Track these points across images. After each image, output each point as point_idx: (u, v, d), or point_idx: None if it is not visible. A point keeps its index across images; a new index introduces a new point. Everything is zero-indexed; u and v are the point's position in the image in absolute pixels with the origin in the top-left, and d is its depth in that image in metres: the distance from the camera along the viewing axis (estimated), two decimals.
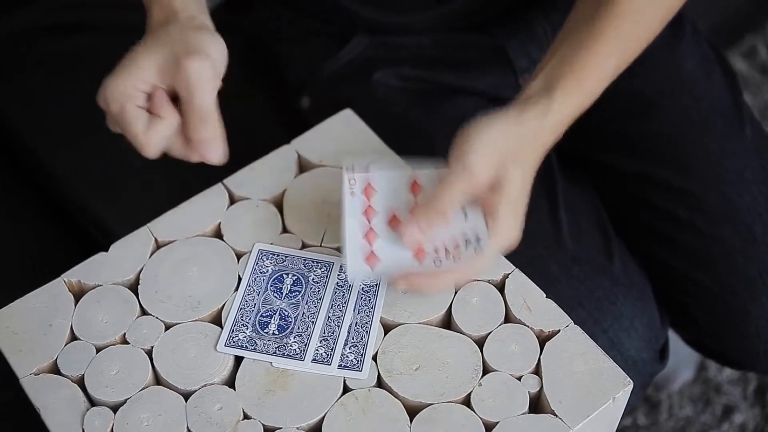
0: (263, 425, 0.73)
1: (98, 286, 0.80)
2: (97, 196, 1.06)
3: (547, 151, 0.79)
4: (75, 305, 0.79)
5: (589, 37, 0.80)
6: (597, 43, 0.79)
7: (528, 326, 0.77)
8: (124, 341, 0.77)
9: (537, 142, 0.77)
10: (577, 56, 0.79)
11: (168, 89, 0.76)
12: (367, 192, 0.79)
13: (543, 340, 0.77)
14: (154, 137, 0.75)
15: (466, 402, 0.74)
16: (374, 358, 0.76)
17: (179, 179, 0.91)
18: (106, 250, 0.82)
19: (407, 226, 0.75)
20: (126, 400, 0.74)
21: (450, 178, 0.74)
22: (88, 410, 0.73)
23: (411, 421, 0.73)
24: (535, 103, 0.77)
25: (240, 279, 0.80)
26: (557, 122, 0.78)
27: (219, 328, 0.77)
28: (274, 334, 0.77)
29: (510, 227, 0.76)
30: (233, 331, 0.77)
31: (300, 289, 0.80)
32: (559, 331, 0.77)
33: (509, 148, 0.75)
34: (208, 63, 0.75)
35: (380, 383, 0.75)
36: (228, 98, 0.79)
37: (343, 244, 0.77)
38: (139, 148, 0.77)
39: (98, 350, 0.76)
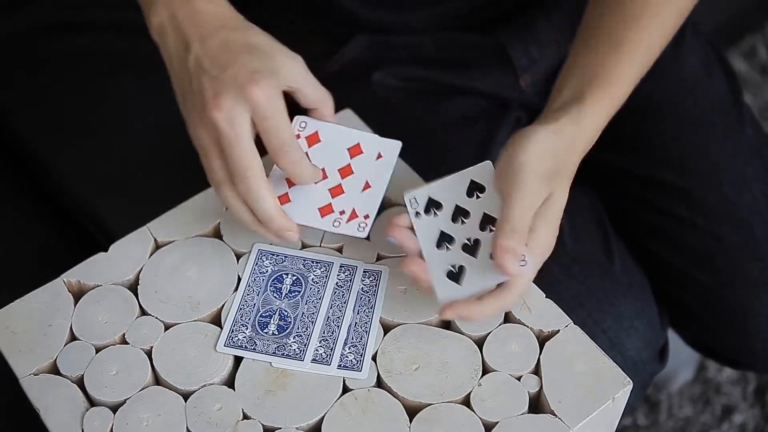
0: (263, 425, 0.73)
1: (98, 286, 0.80)
2: (97, 196, 1.06)
3: (580, 160, 0.78)
4: (75, 305, 0.79)
5: (612, 45, 0.80)
6: (621, 50, 0.79)
7: (528, 326, 0.77)
8: (124, 341, 0.77)
9: (573, 154, 0.77)
10: (602, 65, 0.79)
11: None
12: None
13: (543, 340, 0.77)
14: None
15: (466, 402, 0.74)
16: (374, 358, 0.76)
17: (179, 179, 0.91)
18: (106, 250, 0.82)
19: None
20: (125, 400, 0.74)
21: (523, 200, 0.72)
22: (87, 410, 0.73)
23: (411, 421, 0.73)
24: (566, 112, 0.77)
25: (239, 279, 0.80)
26: (591, 131, 0.78)
27: (219, 328, 0.77)
28: (273, 334, 0.77)
29: (550, 242, 0.75)
30: (233, 331, 0.77)
31: (299, 289, 0.80)
32: (558, 331, 0.77)
33: (556, 165, 0.74)
34: None
35: (380, 383, 0.75)
36: None
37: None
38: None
39: (98, 350, 0.76)
